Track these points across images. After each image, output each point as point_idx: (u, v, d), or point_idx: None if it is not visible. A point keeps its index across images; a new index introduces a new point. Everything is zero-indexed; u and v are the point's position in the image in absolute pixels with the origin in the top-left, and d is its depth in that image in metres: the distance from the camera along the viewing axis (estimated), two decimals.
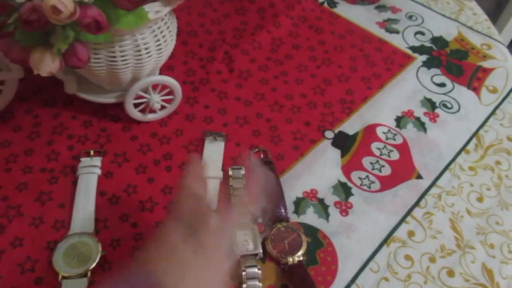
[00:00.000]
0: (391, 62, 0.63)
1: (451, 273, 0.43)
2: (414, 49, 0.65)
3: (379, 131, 0.55)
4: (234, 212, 0.44)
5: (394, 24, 0.69)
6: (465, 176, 0.51)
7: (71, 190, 0.46)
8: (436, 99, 0.59)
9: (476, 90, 0.60)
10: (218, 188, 0.47)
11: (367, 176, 0.50)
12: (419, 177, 0.51)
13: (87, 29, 0.35)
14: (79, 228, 0.42)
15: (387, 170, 0.51)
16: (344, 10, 0.70)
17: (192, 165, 0.38)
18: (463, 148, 0.54)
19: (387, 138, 0.54)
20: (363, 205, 0.48)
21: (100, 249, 0.41)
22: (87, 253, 0.40)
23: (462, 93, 0.60)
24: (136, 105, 0.51)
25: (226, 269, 0.32)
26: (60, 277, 0.39)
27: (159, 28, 0.46)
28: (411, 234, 0.46)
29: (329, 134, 0.54)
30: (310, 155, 0.51)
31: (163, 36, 0.47)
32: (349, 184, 0.49)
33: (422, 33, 0.68)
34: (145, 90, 0.50)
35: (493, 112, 0.58)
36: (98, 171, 0.46)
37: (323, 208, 0.47)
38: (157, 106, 0.51)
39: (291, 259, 0.42)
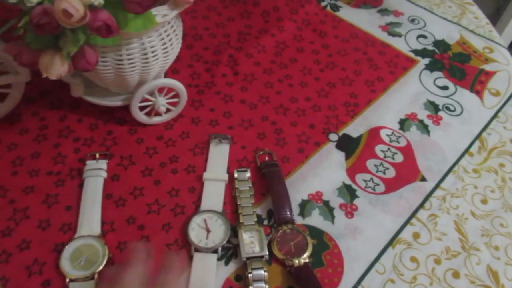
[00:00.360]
0: (394, 66, 0.63)
1: (456, 275, 0.44)
2: (416, 52, 0.66)
3: (383, 133, 0.55)
4: (241, 215, 0.45)
5: (397, 27, 0.69)
6: (469, 179, 0.52)
7: (77, 193, 0.46)
8: (439, 102, 0.59)
9: (478, 93, 0.61)
10: (223, 191, 0.47)
11: (372, 179, 0.50)
12: (423, 179, 0.51)
13: (97, 33, 0.36)
14: (86, 231, 0.42)
15: (391, 173, 0.51)
16: (347, 14, 0.70)
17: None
18: (466, 151, 0.54)
19: (391, 141, 0.54)
20: (368, 207, 0.48)
21: (107, 252, 0.41)
22: (94, 255, 0.41)
23: (465, 96, 0.60)
24: (141, 108, 0.51)
25: None
26: (67, 280, 0.39)
27: (165, 31, 0.46)
28: (416, 236, 0.46)
29: (334, 136, 0.54)
30: (315, 158, 0.52)
31: (170, 40, 0.47)
32: (354, 187, 0.49)
33: (425, 37, 0.68)
34: (151, 93, 0.50)
35: (495, 115, 0.59)
36: (104, 174, 0.47)
37: (328, 210, 0.47)
38: (162, 109, 0.51)
39: (297, 261, 0.42)
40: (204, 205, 0.45)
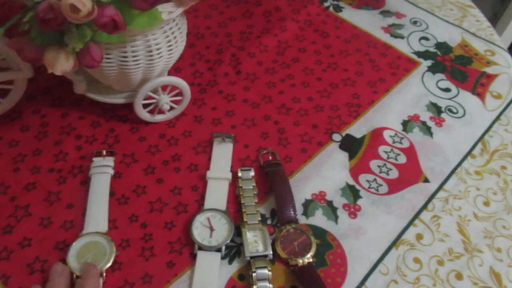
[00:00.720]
0: (396, 67, 0.63)
1: (459, 276, 0.44)
2: (419, 54, 0.66)
3: (386, 134, 0.55)
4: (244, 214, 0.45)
5: (399, 29, 0.69)
6: (471, 181, 0.52)
7: (79, 191, 0.46)
8: (442, 103, 0.59)
9: (480, 95, 0.61)
10: (227, 190, 0.47)
11: (375, 179, 0.50)
12: (426, 180, 0.51)
13: (103, 29, 0.36)
14: (93, 228, 0.42)
15: (394, 174, 0.51)
16: (349, 15, 0.70)
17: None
18: (469, 153, 0.54)
19: (394, 142, 0.54)
20: (371, 207, 0.48)
21: (114, 249, 0.40)
22: (101, 253, 0.40)
23: (467, 99, 0.60)
24: (145, 106, 0.51)
25: None
26: (74, 276, 0.39)
27: (170, 29, 0.46)
28: (419, 237, 0.46)
29: (337, 137, 0.54)
30: (318, 158, 0.52)
31: (174, 37, 0.47)
32: (357, 187, 0.49)
33: (427, 39, 0.68)
34: (155, 91, 0.50)
35: (497, 118, 0.59)
36: (111, 171, 0.46)
37: (331, 210, 0.47)
38: (166, 107, 0.51)
39: (300, 261, 0.42)
40: (207, 204, 0.45)
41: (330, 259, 0.43)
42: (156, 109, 0.51)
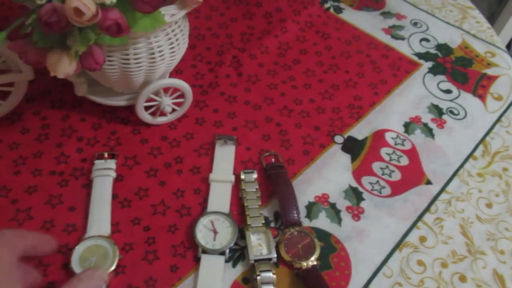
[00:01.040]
0: (397, 68, 0.63)
1: (463, 279, 0.44)
2: (419, 55, 0.66)
3: (388, 136, 0.55)
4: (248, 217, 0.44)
5: (399, 30, 0.69)
6: (473, 182, 0.52)
7: (81, 193, 0.45)
8: (443, 105, 0.59)
9: (481, 97, 0.61)
10: (230, 192, 0.47)
11: (378, 181, 0.50)
12: (428, 182, 0.51)
13: (107, 32, 0.35)
14: (95, 231, 0.42)
15: (397, 176, 0.51)
16: (350, 16, 0.70)
17: None
18: (470, 155, 0.54)
19: (396, 144, 0.54)
20: (374, 210, 0.48)
21: (118, 252, 0.40)
22: (104, 256, 0.40)
23: (468, 100, 0.60)
24: (146, 108, 0.50)
25: None
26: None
27: (173, 31, 0.46)
28: (422, 239, 0.46)
29: (339, 138, 0.54)
30: (320, 160, 0.52)
31: (177, 39, 0.47)
32: (360, 189, 0.49)
33: (427, 40, 0.68)
34: (156, 93, 0.49)
35: (498, 119, 0.59)
36: (113, 174, 0.46)
37: (335, 213, 0.47)
38: (168, 109, 0.51)
39: (305, 264, 0.42)
40: (210, 207, 0.45)
41: (334, 262, 0.43)
42: (158, 111, 0.51)
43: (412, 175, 0.51)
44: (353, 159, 0.52)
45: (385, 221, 0.47)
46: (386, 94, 0.60)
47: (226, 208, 0.45)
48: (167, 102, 0.50)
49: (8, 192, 0.45)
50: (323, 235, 0.45)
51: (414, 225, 0.47)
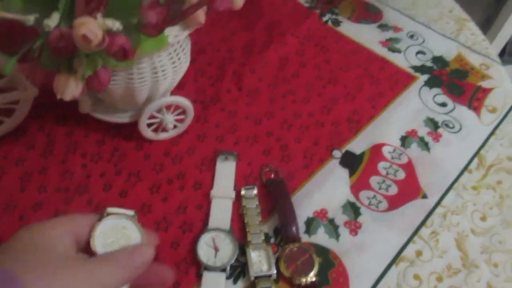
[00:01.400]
0: (395, 82, 0.64)
1: None
2: (416, 68, 0.67)
3: (385, 150, 0.56)
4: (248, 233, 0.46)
5: (396, 43, 0.70)
6: (468, 196, 0.53)
7: (86, 210, 0.46)
8: (439, 118, 0.61)
9: (476, 110, 0.62)
10: (231, 208, 0.48)
11: (375, 196, 0.52)
12: (424, 196, 0.52)
13: (114, 57, 0.36)
14: None
15: (393, 190, 0.52)
16: (348, 29, 0.71)
17: None
18: (465, 168, 0.56)
19: (392, 158, 0.56)
20: (372, 224, 0.49)
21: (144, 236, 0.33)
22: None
23: (463, 113, 0.62)
24: (149, 125, 0.51)
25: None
26: None
27: (175, 50, 0.47)
28: (418, 253, 0.47)
29: (337, 153, 0.55)
30: (319, 175, 0.53)
31: (179, 58, 0.48)
32: (358, 204, 0.51)
33: (423, 53, 0.70)
34: (159, 110, 0.51)
35: (493, 132, 0.60)
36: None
37: (333, 228, 0.48)
38: (170, 125, 0.52)
39: (304, 280, 0.43)
40: (212, 223, 0.46)
41: (333, 278, 0.44)
42: (160, 127, 0.52)
43: (409, 189, 0.53)
44: (351, 174, 0.53)
45: (382, 235, 0.48)
46: (384, 108, 0.61)
47: (227, 225, 0.46)
48: (169, 119, 0.51)
49: (14, 208, 0.46)
50: (322, 251, 0.46)
51: (410, 239, 0.48)
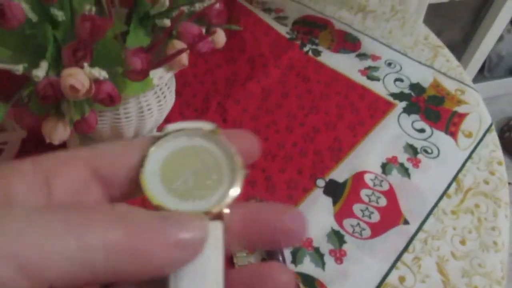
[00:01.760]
0: (374, 109, 0.67)
1: None
2: (394, 95, 0.70)
3: (367, 178, 0.58)
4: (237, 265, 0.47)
5: (375, 71, 0.73)
6: (448, 220, 0.55)
7: None
8: (418, 144, 0.63)
9: (453, 135, 0.65)
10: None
11: (358, 223, 0.53)
12: (406, 222, 0.54)
13: (101, 103, 0.38)
14: None
15: (376, 217, 0.54)
16: (328, 59, 0.74)
17: None
18: (444, 193, 0.58)
19: (374, 185, 0.57)
20: (356, 252, 0.50)
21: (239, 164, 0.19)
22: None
23: (440, 138, 0.64)
24: None
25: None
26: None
27: (160, 89, 0.49)
28: (402, 279, 0.49)
29: (321, 182, 0.57)
30: (303, 204, 0.54)
31: (164, 96, 0.50)
32: (342, 232, 0.52)
33: (401, 80, 0.72)
34: None
35: (469, 156, 0.62)
36: None
37: (319, 257, 0.50)
38: None
39: None
40: None
41: None
42: None
43: (390, 216, 0.54)
44: (335, 202, 0.55)
45: (366, 263, 0.50)
46: (364, 135, 0.63)
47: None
48: None
49: None
50: (308, 280, 0.48)
51: (393, 265, 0.50)
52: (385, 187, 0.57)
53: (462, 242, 0.53)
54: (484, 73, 1.97)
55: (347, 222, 0.53)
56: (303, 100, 0.67)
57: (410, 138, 0.64)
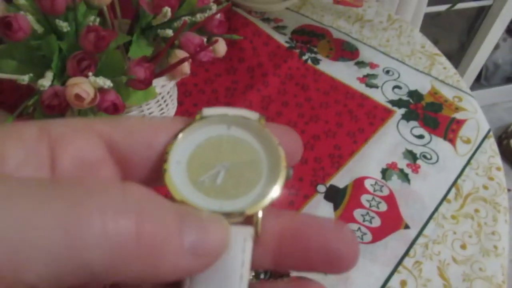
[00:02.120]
0: (373, 117, 0.68)
1: None
2: (393, 103, 0.70)
3: (367, 183, 0.59)
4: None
5: (373, 79, 0.74)
6: (448, 225, 0.55)
7: None
8: (417, 150, 0.64)
9: (451, 141, 0.66)
10: None
11: (359, 228, 0.54)
12: (406, 227, 0.54)
13: (105, 111, 0.39)
14: None
15: (377, 222, 0.55)
16: (327, 67, 0.75)
17: None
18: (444, 198, 0.58)
19: (374, 190, 0.58)
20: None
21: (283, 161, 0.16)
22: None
23: (439, 145, 0.65)
24: None
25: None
26: None
27: (163, 97, 0.49)
28: (403, 284, 0.49)
29: (321, 188, 0.57)
30: (305, 210, 0.55)
31: (166, 105, 0.50)
32: None
33: (399, 87, 0.73)
34: None
35: (468, 162, 0.63)
36: None
37: None
38: None
39: None
40: None
41: None
42: None
43: (391, 221, 0.55)
44: (336, 208, 0.55)
45: (368, 267, 0.50)
46: (364, 142, 0.64)
47: None
48: None
49: None
50: None
51: (395, 270, 0.50)
52: (385, 192, 0.58)
53: (463, 247, 0.54)
54: (481, 82, 1.98)
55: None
56: (303, 108, 0.68)
57: (409, 144, 0.64)
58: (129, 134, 0.16)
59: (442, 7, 1.45)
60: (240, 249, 0.15)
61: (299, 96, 0.70)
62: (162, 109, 0.49)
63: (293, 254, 0.16)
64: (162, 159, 0.15)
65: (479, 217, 0.57)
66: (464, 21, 1.79)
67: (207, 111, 0.17)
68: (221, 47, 0.47)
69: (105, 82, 0.36)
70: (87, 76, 0.36)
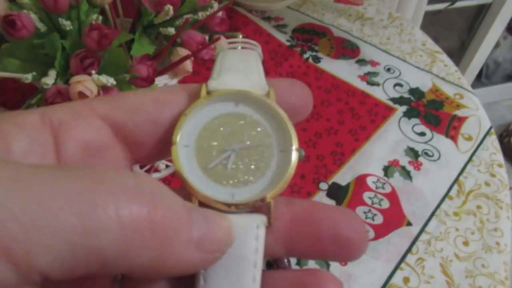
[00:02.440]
0: (375, 114, 0.68)
1: None
2: (394, 100, 0.71)
3: (369, 180, 0.59)
4: None
5: (374, 77, 0.74)
6: (450, 222, 0.55)
7: None
8: (419, 148, 0.64)
9: (453, 138, 0.66)
10: None
11: None
12: (409, 224, 0.55)
13: None
14: None
15: (379, 219, 0.55)
16: (328, 65, 0.75)
17: None
18: (446, 195, 0.58)
19: (377, 187, 0.58)
20: None
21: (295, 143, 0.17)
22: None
23: (441, 142, 0.65)
24: (141, 166, 0.53)
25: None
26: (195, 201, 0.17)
27: None
28: (406, 280, 0.49)
29: (324, 185, 0.58)
30: None
31: None
32: None
33: (400, 85, 0.73)
34: None
35: (470, 159, 0.63)
36: None
37: None
38: (162, 166, 0.54)
39: None
40: None
41: None
42: (152, 168, 0.54)
43: (393, 218, 0.55)
44: (338, 205, 0.56)
45: (370, 264, 0.50)
46: (366, 140, 0.64)
47: None
48: (162, 160, 0.53)
49: None
50: None
51: (397, 266, 0.50)
52: (388, 189, 0.58)
53: (465, 243, 0.54)
54: (482, 80, 1.98)
55: None
56: None
57: (411, 142, 0.65)
58: (132, 114, 0.15)
59: (442, 5, 1.46)
60: (253, 236, 0.15)
61: None
62: None
63: (304, 241, 0.16)
64: (169, 140, 0.15)
65: (481, 213, 0.57)
66: (464, 19, 1.79)
67: (213, 84, 0.16)
68: (223, 45, 0.47)
69: (108, 80, 0.36)
70: (90, 74, 0.36)
